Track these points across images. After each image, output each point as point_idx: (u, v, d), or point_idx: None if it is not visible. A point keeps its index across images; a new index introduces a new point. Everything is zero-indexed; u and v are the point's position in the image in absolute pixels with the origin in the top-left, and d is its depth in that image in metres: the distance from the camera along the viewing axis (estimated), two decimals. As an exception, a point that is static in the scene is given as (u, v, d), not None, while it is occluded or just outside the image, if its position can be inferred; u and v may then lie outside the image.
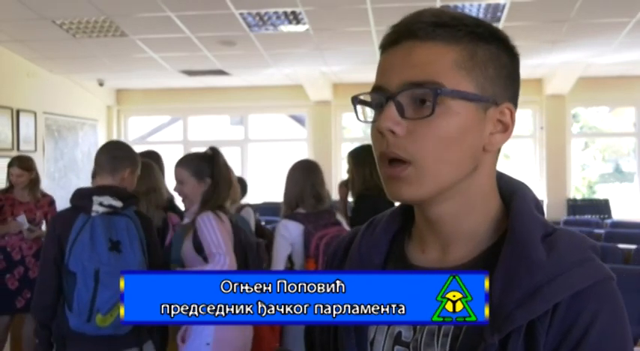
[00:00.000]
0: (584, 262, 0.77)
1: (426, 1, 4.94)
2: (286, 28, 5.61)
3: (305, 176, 3.19)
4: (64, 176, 7.48)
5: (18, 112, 6.54)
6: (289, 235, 3.11)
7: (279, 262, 3.14)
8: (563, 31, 5.74)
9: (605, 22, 5.53)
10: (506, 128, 0.82)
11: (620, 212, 8.27)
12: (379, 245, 0.92)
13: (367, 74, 7.62)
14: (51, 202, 4.61)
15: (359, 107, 0.85)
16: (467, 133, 0.79)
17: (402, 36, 0.81)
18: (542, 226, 0.80)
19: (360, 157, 3.58)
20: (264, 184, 9.74)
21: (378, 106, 0.82)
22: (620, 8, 5.16)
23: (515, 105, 0.84)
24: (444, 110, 0.77)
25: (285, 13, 5.21)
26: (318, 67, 7.26)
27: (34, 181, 4.50)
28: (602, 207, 8.12)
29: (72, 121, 7.76)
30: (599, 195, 10.48)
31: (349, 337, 0.88)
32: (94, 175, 2.76)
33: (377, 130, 0.80)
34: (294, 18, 5.32)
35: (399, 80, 0.79)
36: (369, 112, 0.85)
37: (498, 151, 0.85)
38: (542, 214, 0.85)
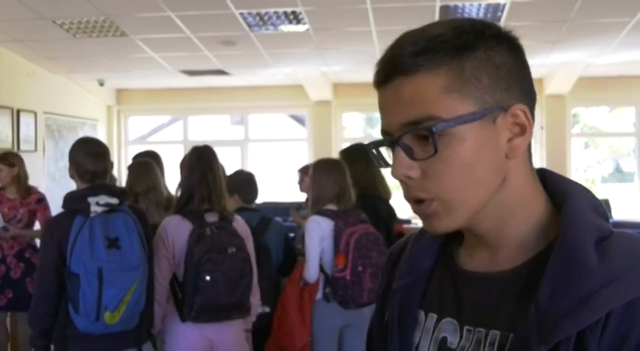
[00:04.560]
0: (637, 267, 0.71)
1: (426, 1, 4.94)
2: (286, 28, 5.61)
3: (341, 174, 3.23)
4: (64, 176, 7.46)
5: (18, 112, 6.54)
6: (321, 230, 3.14)
7: (313, 258, 3.17)
8: (563, 31, 5.74)
9: (605, 22, 5.53)
10: (524, 129, 0.78)
11: (621, 212, 8.27)
12: (429, 250, 0.91)
13: (367, 74, 7.59)
14: (39, 199, 4.45)
15: (375, 151, 0.84)
16: (481, 153, 0.76)
17: (389, 74, 0.79)
18: (596, 230, 0.75)
19: (351, 156, 3.60)
20: (264, 184, 9.74)
21: (390, 148, 0.81)
22: (620, 8, 5.15)
23: (527, 101, 0.80)
24: (448, 141, 0.75)
25: (286, 13, 5.21)
26: (318, 67, 7.26)
27: (18, 178, 4.39)
28: (602, 207, 8.11)
29: (72, 121, 7.76)
30: (599, 195, 10.48)
31: (393, 340, 0.88)
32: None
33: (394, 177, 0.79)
34: (295, 18, 5.32)
35: (397, 122, 0.78)
36: (384, 151, 0.84)
37: (525, 153, 0.81)
38: (604, 216, 0.80)
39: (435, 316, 0.86)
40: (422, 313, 0.88)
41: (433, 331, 0.85)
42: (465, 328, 0.82)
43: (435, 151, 0.74)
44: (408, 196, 0.80)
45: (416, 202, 0.79)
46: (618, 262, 0.72)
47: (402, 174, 0.77)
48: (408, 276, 0.91)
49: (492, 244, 0.83)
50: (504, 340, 0.76)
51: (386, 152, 0.84)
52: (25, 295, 4.19)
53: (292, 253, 3.64)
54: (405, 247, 0.96)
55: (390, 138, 0.79)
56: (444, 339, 0.84)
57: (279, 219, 6.73)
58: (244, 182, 3.76)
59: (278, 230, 3.59)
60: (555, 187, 0.83)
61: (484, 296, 0.81)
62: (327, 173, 3.25)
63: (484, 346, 0.78)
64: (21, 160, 4.48)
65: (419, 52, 0.76)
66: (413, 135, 0.77)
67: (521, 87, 0.80)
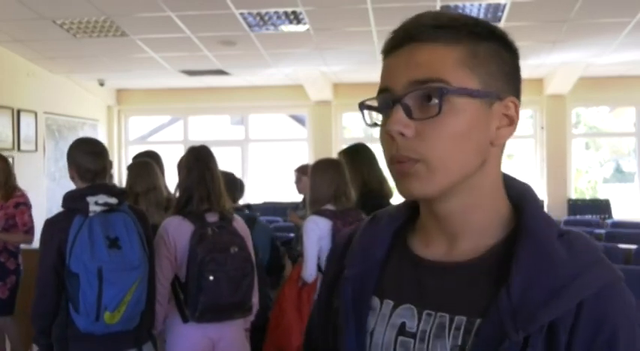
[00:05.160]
0: (600, 261, 0.79)
1: (426, 1, 4.94)
2: (286, 28, 5.61)
3: (338, 174, 3.22)
4: (64, 176, 7.46)
5: (18, 112, 6.54)
6: (319, 230, 3.14)
7: (311, 258, 3.16)
8: (563, 31, 5.74)
9: (605, 22, 5.53)
10: (512, 121, 0.84)
11: (621, 212, 8.27)
12: (381, 238, 0.93)
13: (367, 74, 7.63)
14: (17, 203, 4.25)
15: (366, 112, 0.87)
16: (474, 129, 0.81)
17: (403, 40, 0.82)
18: (555, 226, 0.83)
19: (356, 156, 3.58)
20: (265, 184, 9.75)
21: (385, 109, 0.83)
22: (620, 8, 5.15)
23: (519, 98, 0.86)
24: (450, 108, 0.79)
25: (286, 13, 5.21)
26: (318, 67, 7.26)
27: (0, 181, 4.23)
28: (602, 207, 8.12)
29: (72, 121, 7.76)
30: (599, 195, 10.48)
31: (348, 326, 0.89)
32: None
33: (386, 134, 0.81)
34: (295, 18, 5.32)
35: (404, 80, 0.80)
36: (376, 116, 0.87)
37: (503, 146, 0.86)
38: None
39: (392, 302, 0.88)
40: (376, 300, 0.89)
41: (389, 317, 0.87)
42: (425, 312, 0.84)
43: (439, 112, 0.78)
44: (394, 155, 0.81)
45: (399, 162, 0.81)
46: (584, 256, 0.79)
47: (398, 130, 0.80)
48: (360, 264, 0.92)
49: (452, 231, 0.86)
50: (470, 326, 0.80)
51: (371, 115, 0.87)
52: None
53: (278, 253, 3.64)
54: (353, 236, 0.97)
55: (391, 96, 0.82)
56: (403, 324, 0.86)
57: (278, 219, 6.75)
58: (228, 182, 3.76)
59: (264, 230, 3.59)
60: (512, 186, 0.89)
61: (445, 284, 0.84)
62: (322, 173, 3.24)
63: (449, 330, 0.81)
64: (4, 162, 4.33)
65: (440, 26, 0.81)
66: (415, 96, 0.80)
67: (517, 85, 0.86)
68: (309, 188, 3.36)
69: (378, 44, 5.99)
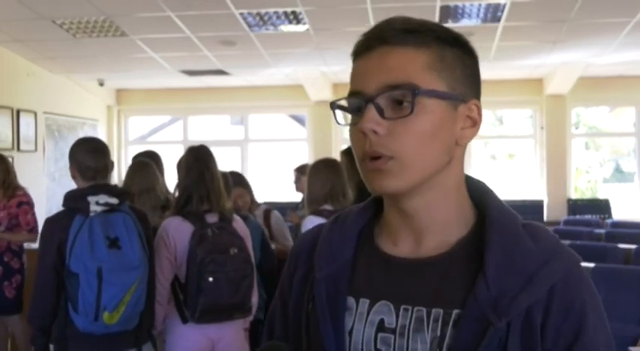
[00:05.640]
0: (562, 247, 0.87)
1: (426, 1, 4.94)
2: (286, 28, 5.61)
3: (334, 174, 3.21)
4: (64, 176, 7.47)
5: (18, 112, 6.53)
6: None
7: None
8: (563, 31, 5.74)
9: (605, 22, 5.53)
10: (475, 123, 0.89)
11: (621, 212, 8.27)
12: (349, 238, 0.95)
13: (367, 74, 7.60)
14: (19, 203, 4.26)
15: (338, 112, 0.91)
16: (441, 129, 0.85)
17: (374, 42, 0.86)
18: (518, 218, 0.89)
19: (353, 156, 3.59)
20: (264, 184, 9.75)
21: (357, 110, 0.86)
22: (620, 8, 5.15)
23: (480, 100, 0.91)
24: (420, 109, 0.83)
25: (286, 13, 5.21)
26: (318, 67, 7.26)
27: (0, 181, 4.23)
28: (602, 207, 8.12)
29: (72, 121, 7.76)
30: (599, 195, 10.48)
31: (326, 325, 0.90)
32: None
33: (359, 131, 0.85)
34: (295, 18, 5.32)
35: (376, 84, 0.84)
36: (347, 116, 0.90)
37: (466, 146, 0.91)
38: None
39: (368, 300, 0.90)
40: (352, 300, 0.91)
41: (367, 315, 0.89)
42: (402, 307, 0.87)
43: (411, 112, 0.82)
44: (367, 153, 0.85)
45: (372, 159, 0.85)
46: (547, 243, 0.86)
47: (370, 128, 0.83)
48: (330, 265, 0.93)
49: (418, 227, 0.89)
50: (447, 317, 0.83)
51: (342, 114, 0.91)
52: (1, 298, 4.16)
53: (270, 252, 3.63)
54: (316, 237, 0.98)
55: (363, 97, 0.85)
56: (382, 321, 0.88)
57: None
58: (242, 181, 3.76)
59: (254, 228, 3.57)
60: (472, 183, 0.94)
61: (418, 279, 0.87)
62: (317, 173, 3.24)
63: (428, 323, 0.84)
64: (2, 162, 4.32)
65: (410, 30, 0.85)
66: (387, 97, 0.84)
67: (478, 90, 0.91)
68: (306, 188, 3.36)
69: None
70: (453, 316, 0.83)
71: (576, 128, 10.39)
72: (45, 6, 4.99)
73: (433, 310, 0.84)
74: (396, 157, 0.83)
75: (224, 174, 3.66)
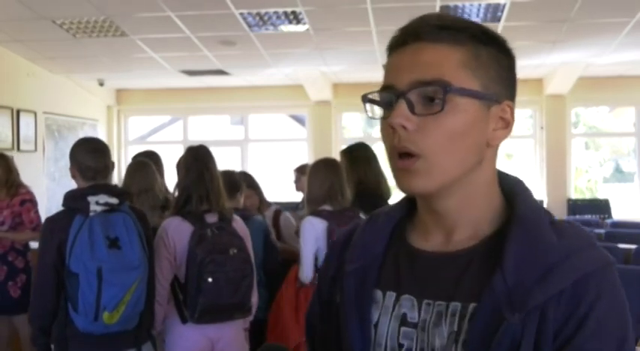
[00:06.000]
0: (590, 246, 0.83)
1: (426, 1, 4.94)
2: (286, 28, 5.60)
3: (332, 174, 3.21)
4: (64, 176, 7.47)
5: (18, 112, 6.53)
6: (315, 231, 3.13)
7: (307, 259, 3.15)
8: (563, 31, 5.74)
9: (605, 22, 5.53)
10: (507, 124, 0.87)
11: (621, 212, 8.27)
12: (381, 235, 0.96)
13: (367, 74, 7.62)
14: (22, 201, 4.24)
15: (368, 105, 0.90)
16: (473, 129, 0.84)
17: (408, 38, 0.85)
18: (546, 214, 0.87)
19: (354, 156, 3.58)
20: (264, 184, 9.72)
21: (388, 104, 0.86)
22: (620, 8, 5.15)
23: (514, 102, 0.89)
24: (452, 107, 0.82)
25: (286, 13, 5.21)
26: (318, 67, 7.26)
27: (1, 179, 4.22)
28: (602, 207, 8.12)
29: (72, 121, 7.76)
30: (599, 195, 10.48)
31: (352, 319, 0.90)
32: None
33: (388, 126, 0.84)
34: (295, 18, 5.32)
35: (408, 79, 0.83)
36: (378, 110, 0.89)
37: (498, 147, 0.90)
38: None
39: (394, 294, 0.90)
40: (379, 293, 0.92)
41: (393, 308, 0.89)
42: (424, 302, 0.87)
43: (442, 109, 0.81)
44: (396, 148, 0.84)
45: (401, 157, 0.84)
46: (574, 240, 0.83)
47: (399, 122, 0.82)
48: (361, 259, 0.94)
49: (449, 225, 0.89)
50: (465, 311, 0.83)
51: (373, 109, 0.90)
52: (6, 298, 4.15)
53: (273, 250, 3.62)
54: (353, 233, 1.00)
55: (394, 92, 0.84)
56: (404, 315, 0.88)
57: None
58: (252, 182, 3.76)
59: (257, 227, 3.56)
60: (505, 181, 0.93)
61: (442, 273, 0.87)
62: (316, 172, 3.24)
63: (445, 317, 0.84)
64: (3, 160, 4.31)
65: (444, 26, 0.84)
66: (418, 93, 0.83)
67: (513, 91, 0.90)
68: (305, 188, 3.36)
69: (378, 44, 5.99)
70: (470, 309, 0.82)
71: (576, 128, 10.39)
72: (45, 6, 4.99)
73: (451, 304, 0.84)
74: (423, 155, 0.82)
75: (232, 173, 3.67)
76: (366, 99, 0.89)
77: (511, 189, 0.91)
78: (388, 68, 0.88)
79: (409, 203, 0.97)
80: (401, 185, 0.86)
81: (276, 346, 2.90)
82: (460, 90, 0.82)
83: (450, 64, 0.83)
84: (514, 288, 0.78)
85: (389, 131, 0.84)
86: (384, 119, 0.86)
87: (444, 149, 0.82)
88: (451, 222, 0.89)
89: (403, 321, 0.88)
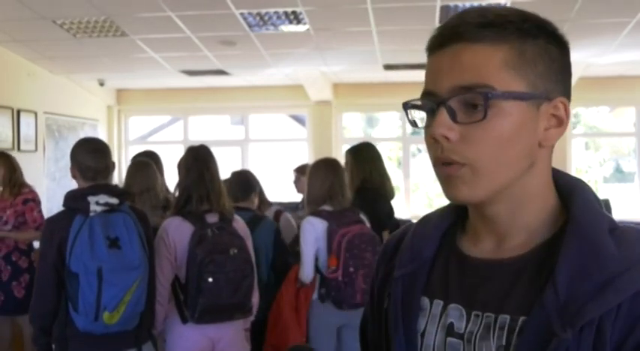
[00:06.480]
0: None
1: (426, 1, 4.94)
2: (286, 28, 5.60)
3: (332, 174, 3.21)
4: (64, 176, 7.47)
5: (18, 112, 6.53)
6: (315, 231, 3.13)
7: (308, 259, 3.15)
8: (563, 31, 5.71)
9: (605, 22, 5.53)
10: (561, 122, 0.81)
11: (621, 212, 8.26)
12: (430, 239, 0.92)
13: (367, 74, 7.63)
14: (25, 200, 4.27)
15: (410, 112, 0.85)
16: (521, 132, 0.78)
17: (448, 38, 0.80)
18: (607, 220, 0.80)
19: (361, 155, 3.59)
20: (264, 184, 9.72)
21: (430, 112, 0.81)
22: (620, 8, 5.15)
23: (569, 97, 0.83)
24: (496, 112, 0.77)
25: (286, 13, 5.20)
26: (318, 67, 7.26)
27: (3, 177, 4.25)
28: (602, 207, 8.11)
29: (72, 121, 7.76)
30: (599, 195, 10.47)
31: (397, 324, 0.87)
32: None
33: (430, 136, 0.80)
34: (295, 18, 5.32)
35: (448, 85, 0.79)
36: (418, 115, 0.85)
37: (552, 147, 0.84)
38: (605, 209, 0.83)
39: (442, 302, 0.86)
40: (426, 300, 0.88)
41: (440, 317, 0.86)
42: (473, 313, 0.82)
43: (484, 117, 0.76)
44: (439, 158, 0.80)
45: (444, 165, 0.80)
46: (635, 250, 0.75)
47: (441, 133, 0.78)
48: (409, 264, 0.91)
49: (500, 231, 0.84)
50: (514, 324, 0.77)
51: (417, 115, 0.85)
52: (10, 298, 4.16)
53: (284, 251, 3.63)
54: (403, 237, 0.96)
55: (435, 99, 0.80)
56: (451, 324, 0.84)
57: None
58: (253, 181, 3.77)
59: (268, 227, 3.57)
60: (562, 181, 0.86)
61: (491, 282, 0.82)
62: (316, 172, 3.24)
63: (494, 330, 0.79)
64: (6, 159, 4.33)
65: (486, 24, 0.78)
66: (460, 100, 0.78)
67: (567, 84, 0.83)
68: (305, 188, 3.36)
69: (378, 44, 5.99)
70: (519, 323, 0.76)
71: (576, 128, 10.38)
72: (45, 6, 4.99)
73: (500, 317, 0.79)
74: (469, 164, 0.78)
75: (246, 172, 3.67)
76: (407, 106, 0.84)
77: (569, 190, 0.84)
78: (428, 72, 0.82)
79: (461, 206, 0.92)
80: (447, 193, 0.82)
81: (303, 347, 2.91)
82: (503, 94, 0.76)
83: (492, 66, 0.77)
84: (566, 303, 0.73)
85: (432, 141, 0.80)
86: (427, 128, 0.81)
87: (490, 157, 0.77)
88: (503, 228, 0.83)
89: (449, 331, 0.84)
